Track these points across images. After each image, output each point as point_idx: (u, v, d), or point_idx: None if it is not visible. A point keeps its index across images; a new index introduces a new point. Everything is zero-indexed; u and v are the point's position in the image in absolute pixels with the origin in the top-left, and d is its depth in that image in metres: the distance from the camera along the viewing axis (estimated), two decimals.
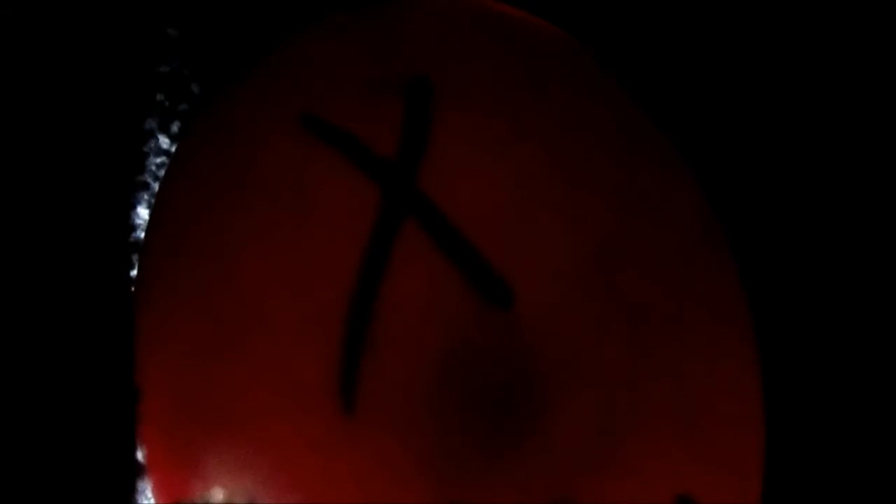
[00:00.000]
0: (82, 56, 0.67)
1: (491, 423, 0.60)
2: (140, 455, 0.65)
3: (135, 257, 0.67)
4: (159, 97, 0.68)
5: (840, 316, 0.68)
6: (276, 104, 0.63)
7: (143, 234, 0.67)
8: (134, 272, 0.66)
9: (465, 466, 0.60)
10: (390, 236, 0.60)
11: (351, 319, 0.60)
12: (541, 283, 0.61)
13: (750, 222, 0.68)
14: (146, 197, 0.67)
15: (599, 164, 0.62)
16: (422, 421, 0.60)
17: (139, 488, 0.65)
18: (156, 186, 0.67)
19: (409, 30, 0.64)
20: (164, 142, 0.68)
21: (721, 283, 0.64)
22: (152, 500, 0.64)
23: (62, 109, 0.67)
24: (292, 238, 0.61)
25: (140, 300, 0.64)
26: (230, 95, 0.65)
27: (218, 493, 0.61)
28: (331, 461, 0.60)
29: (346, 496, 0.59)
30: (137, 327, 0.64)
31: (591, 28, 0.68)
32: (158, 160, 0.68)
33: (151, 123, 0.68)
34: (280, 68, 0.64)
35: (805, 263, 0.68)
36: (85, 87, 0.67)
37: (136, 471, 0.65)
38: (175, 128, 0.68)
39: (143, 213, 0.67)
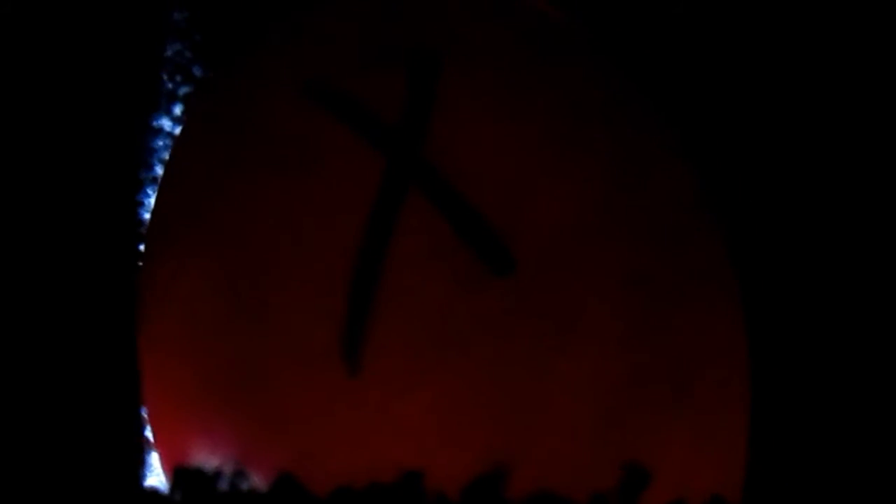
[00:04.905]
0: (85, 41, 0.68)
1: (491, 383, 0.61)
2: (147, 432, 0.66)
3: (139, 244, 0.67)
4: (162, 80, 0.69)
5: (825, 286, 0.69)
6: (281, 74, 0.64)
7: (147, 216, 0.68)
8: (139, 258, 0.67)
9: (465, 425, 0.60)
10: (395, 204, 0.61)
11: (355, 285, 0.60)
12: (541, 249, 0.61)
13: (738, 195, 0.69)
14: (149, 177, 0.68)
15: (594, 134, 0.63)
16: (424, 383, 0.60)
17: (147, 463, 0.66)
18: (157, 166, 0.68)
19: (411, 2, 0.65)
20: (166, 124, 0.69)
21: (710, 252, 0.64)
22: (160, 475, 0.65)
23: (66, 91, 0.68)
24: (299, 204, 0.62)
25: (145, 273, 0.65)
26: (236, 66, 0.66)
27: (211, 462, 0.62)
28: (334, 422, 0.60)
29: (348, 457, 0.60)
30: (141, 298, 0.64)
31: (588, 7, 0.69)
32: (161, 142, 0.69)
33: (154, 106, 0.69)
34: (285, 39, 0.65)
35: (791, 232, 0.69)
36: (88, 71, 0.68)
37: (144, 447, 0.66)
38: (177, 110, 0.69)
39: (147, 190, 0.68)
